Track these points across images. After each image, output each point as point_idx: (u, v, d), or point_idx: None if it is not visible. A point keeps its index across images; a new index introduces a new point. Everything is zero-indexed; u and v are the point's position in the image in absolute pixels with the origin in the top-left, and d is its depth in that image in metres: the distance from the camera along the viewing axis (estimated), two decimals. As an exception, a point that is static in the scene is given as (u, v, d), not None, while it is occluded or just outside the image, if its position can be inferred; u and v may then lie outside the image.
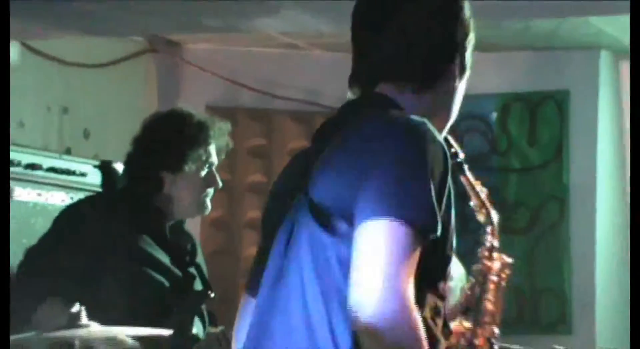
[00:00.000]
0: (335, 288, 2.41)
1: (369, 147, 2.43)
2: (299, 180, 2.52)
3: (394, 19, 2.63)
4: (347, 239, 2.38)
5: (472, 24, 2.69)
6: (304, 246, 2.47)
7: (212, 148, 4.50)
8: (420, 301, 2.41)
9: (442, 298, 2.50)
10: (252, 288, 2.65)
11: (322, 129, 2.64)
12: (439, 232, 2.35)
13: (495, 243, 2.81)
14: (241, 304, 2.71)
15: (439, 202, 2.38)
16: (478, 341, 2.68)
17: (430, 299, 2.47)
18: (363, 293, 2.29)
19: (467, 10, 2.67)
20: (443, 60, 2.63)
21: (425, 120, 2.49)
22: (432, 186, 2.36)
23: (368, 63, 2.65)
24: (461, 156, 2.72)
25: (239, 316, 2.71)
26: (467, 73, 2.69)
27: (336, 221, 2.40)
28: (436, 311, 2.49)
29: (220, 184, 4.56)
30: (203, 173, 4.48)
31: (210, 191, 4.53)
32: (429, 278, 2.45)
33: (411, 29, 2.60)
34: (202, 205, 4.53)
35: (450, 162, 2.46)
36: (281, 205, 2.57)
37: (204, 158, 4.47)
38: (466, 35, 2.67)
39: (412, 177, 2.37)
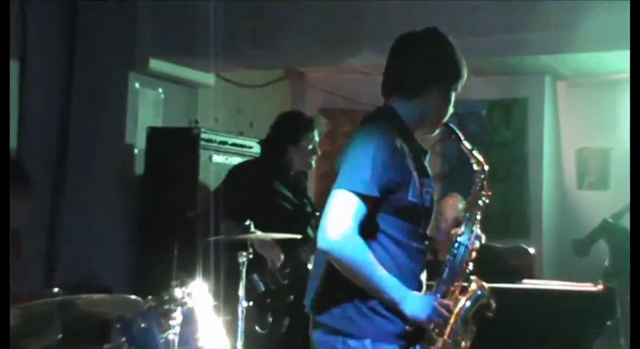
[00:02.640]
0: None
1: (351, 141, 2.42)
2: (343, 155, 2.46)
3: (397, 57, 2.52)
4: None
5: (462, 66, 2.51)
6: None
7: (315, 132, 4.42)
8: (397, 226, 2.42)
9: (414, 222, 2.45)
10: None
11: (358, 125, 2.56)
12: (377, 194, 2.32)
13: (486, 183, 2.54)
14: None
15: (387, 171, 2.33)
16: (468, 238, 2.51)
17: (405, 224, 2.43)
18: (322, 229, 2.31)
19: (450, 58, 2.50)
20: (425, 84, 2.48)
21: (386, 125, 2.42)
22: (373, 166, 2.31)
23: (385, 82, 2.55)
24: (460, 135, 2.54)
25: None
26: (452, 100, 2.53)
27: None
28: (412, 231, 2.45)
29: (320, 152, 4.45)
30: (310, 146, 4.39)
31: (314, 157, 4.43)
32: (404, 213, 2.41)
33: (404, 64, 2.49)
34: (309, 164, 4.44)
35: (399, 146, 2.38)
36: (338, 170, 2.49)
37: (310, 138, 4.38)
38: (449, 73, 2.50)
39: (360, 161, 2.33)
